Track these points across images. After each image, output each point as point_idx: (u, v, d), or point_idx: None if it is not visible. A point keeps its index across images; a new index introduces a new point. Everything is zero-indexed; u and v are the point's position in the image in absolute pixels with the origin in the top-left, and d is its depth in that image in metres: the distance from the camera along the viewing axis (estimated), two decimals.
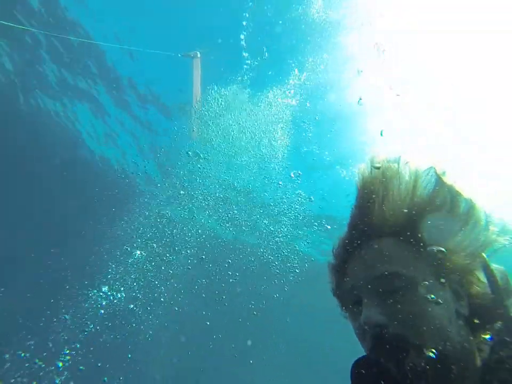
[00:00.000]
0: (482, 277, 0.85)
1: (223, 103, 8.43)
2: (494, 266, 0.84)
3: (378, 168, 0.94)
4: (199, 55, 7.68)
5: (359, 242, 0.94)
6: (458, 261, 0.84)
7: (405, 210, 0.88)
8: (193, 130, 9.21)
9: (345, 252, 0.98)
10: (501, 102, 7.52)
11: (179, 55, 7.67)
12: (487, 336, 0.83)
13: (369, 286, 0.87)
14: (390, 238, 0.90)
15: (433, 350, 0.76)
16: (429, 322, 0.79)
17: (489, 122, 7.90)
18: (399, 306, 0.81)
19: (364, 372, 0.91)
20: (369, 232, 0.92)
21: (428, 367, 0.76)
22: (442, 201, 0.87)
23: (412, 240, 0.87)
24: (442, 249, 0.83)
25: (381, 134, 7.84)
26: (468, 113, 7.82)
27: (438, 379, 0.76)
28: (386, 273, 0.84)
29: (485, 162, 8.53)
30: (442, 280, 0.83)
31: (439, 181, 0.89)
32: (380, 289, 0.84)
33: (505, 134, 8.03)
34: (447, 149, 8.35)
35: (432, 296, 0.81)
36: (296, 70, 7.70)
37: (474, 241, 0.85)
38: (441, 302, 0.81)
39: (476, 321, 0.83)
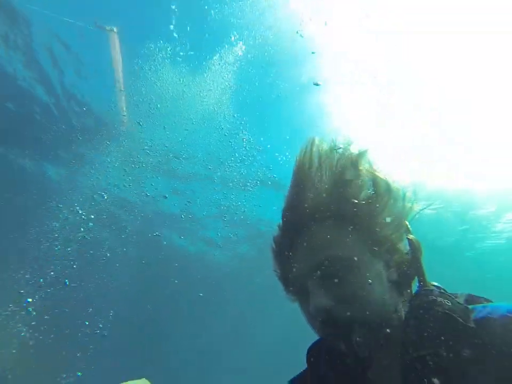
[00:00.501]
0: (403, 244, 0.93)
1: (155, 81, 7.78)
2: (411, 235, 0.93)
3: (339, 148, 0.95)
4: (115, 30, 7.15)
5: (296, 228, 0.93)
6: (387, 234, 0.90)
7: (333, 193, 0.90)
8: (124, 115, 8.52)
9: (285, 239, 0.97)
10: (486, 103, 7.57)
11: (91, 27, 6.90)
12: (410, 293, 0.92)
13: (313, 273, 0.88)
14: (326, 222, 0.90)
15: (375, 321, 0.83)
16: (370, 296, 0.84)
17: (475, 123, 7.96)
18: (343, 287, 0.84)
19: (317, 354, 0.97)
20: (305, 217, 0.92)
21: (371, 337, 0.82)
22: (363, 183, 0.91)
23: (346, 222, 0.89)
24: (374, 227, 0.88)
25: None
26: (453, 114, 7.87)
27: (379, 344, 0.84)
28: (327, 258, 0.86)
29: (471, 163, 8.59)
30: (377, 254, 0.89)
31: (356, 165, 0.92)
32: (324, 275, 0.86)
33: (491, 135, 8.10)
34: (433, 150, 8.39)
35: (371, 272, 0.86)
36: (233, 38, 7.02)
37: (398, 214, 0.91)
38: (377, 275, 0.87)
39: (401, 282, 0.91)
